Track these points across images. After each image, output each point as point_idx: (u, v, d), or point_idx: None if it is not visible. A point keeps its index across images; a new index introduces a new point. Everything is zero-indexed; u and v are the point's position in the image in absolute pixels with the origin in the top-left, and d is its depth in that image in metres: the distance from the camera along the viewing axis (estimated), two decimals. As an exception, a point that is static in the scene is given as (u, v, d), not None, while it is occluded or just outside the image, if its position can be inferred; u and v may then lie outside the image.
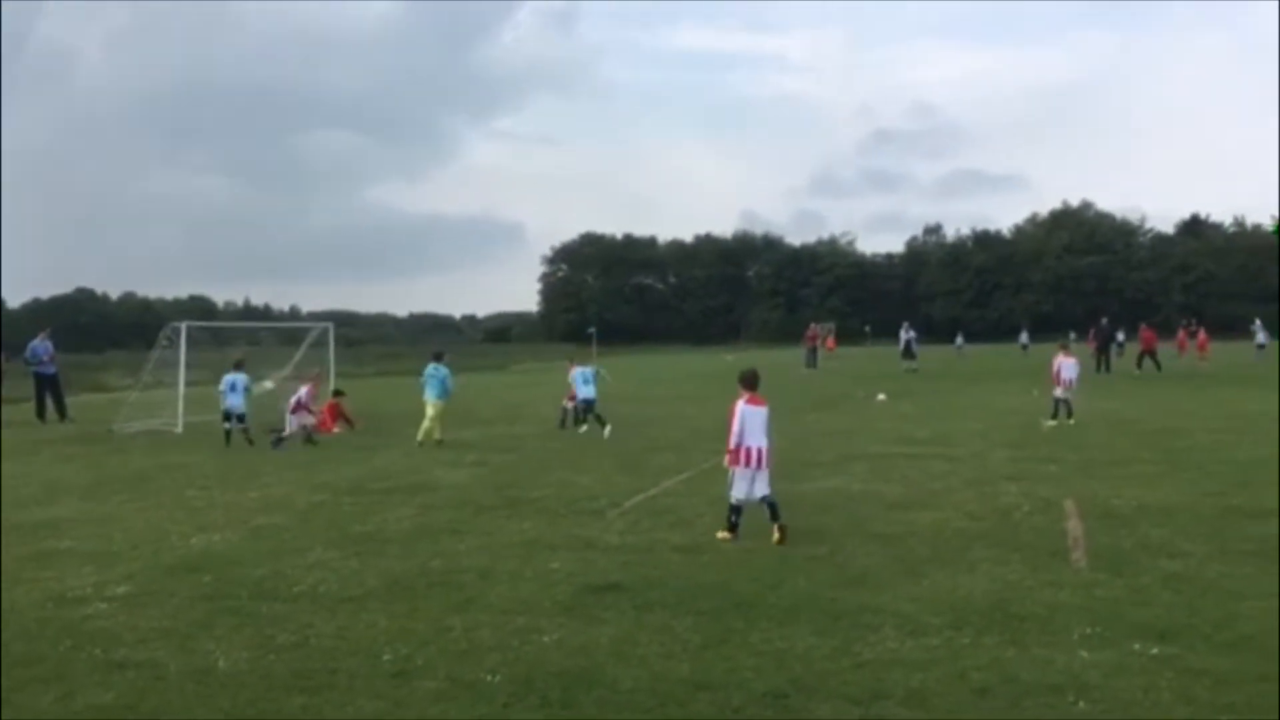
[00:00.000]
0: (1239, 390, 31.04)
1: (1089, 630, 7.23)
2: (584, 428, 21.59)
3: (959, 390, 33.61)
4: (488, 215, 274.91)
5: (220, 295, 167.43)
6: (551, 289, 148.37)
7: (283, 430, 20.57)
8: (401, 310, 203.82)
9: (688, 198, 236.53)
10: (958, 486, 13.69)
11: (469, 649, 7.11)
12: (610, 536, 10.89)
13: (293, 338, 32.65)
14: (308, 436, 20.68)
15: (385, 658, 6.94)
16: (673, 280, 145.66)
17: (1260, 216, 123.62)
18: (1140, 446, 17.50)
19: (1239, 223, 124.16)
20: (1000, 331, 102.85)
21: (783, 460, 16.27)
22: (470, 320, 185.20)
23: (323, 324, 31.37)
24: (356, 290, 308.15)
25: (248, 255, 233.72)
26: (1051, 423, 21.40)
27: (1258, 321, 56.98)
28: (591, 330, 59.94)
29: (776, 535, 10.37)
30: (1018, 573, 8.97)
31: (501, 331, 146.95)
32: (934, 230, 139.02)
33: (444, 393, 20.77)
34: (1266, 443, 17.59)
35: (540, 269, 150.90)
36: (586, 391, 21.91)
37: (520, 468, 16.54)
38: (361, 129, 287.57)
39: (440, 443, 19.90)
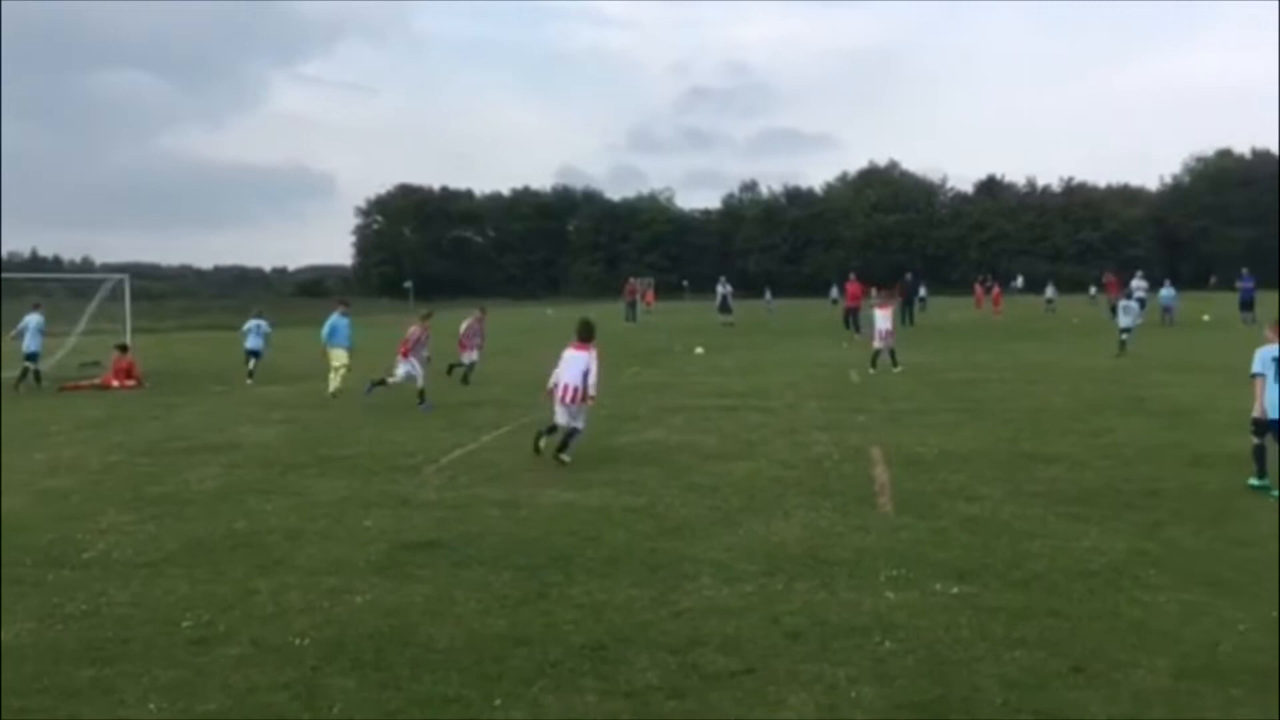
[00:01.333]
0: (1029, 343, 32.91)
1: (894, 572, 7.50)
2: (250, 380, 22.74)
3: (773, 344, 34.46)
4: (297, 165, 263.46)
5: (4, 245, 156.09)
6: (366, 242, 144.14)
7: (396, 375, 18.98)
8: (206, 262, 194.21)
9: (505, 151, 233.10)
10: (772, 437, 14.01)
11: (275, 612, 6.83)
12: (427, 493, 10.67)
13: (85, 291, 30.70)
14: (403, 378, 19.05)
15: (185, 624, 6.59)
16: (491, 234, 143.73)
17: (1049, 178, 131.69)
18: (942, 397, 18.32)
19: (1031, 184, 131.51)
20: (813, 287, 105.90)
21: (603, 414, 16.35)
22: (281, 273, 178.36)
23: (118, 275, 29.64)
24: (156, 242, 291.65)
25: (34, 203, 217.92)
26: (871, 371, 22.58)
27: (1020, 278, 61.11)
28: (408, 284, 58.74)
29: (557, 458, 12.00)
30: (828, 519, 9.24)
31: (314, 285, 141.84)
32: (750, 187, 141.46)
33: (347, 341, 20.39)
34: (1054, 391, 18.71)
35: (354, 221, 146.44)
36: (254, 344, 23.62)
37: (333, 424, 16.05)
38: (158, 71, 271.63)
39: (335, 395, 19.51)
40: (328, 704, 5.37)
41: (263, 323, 24.09)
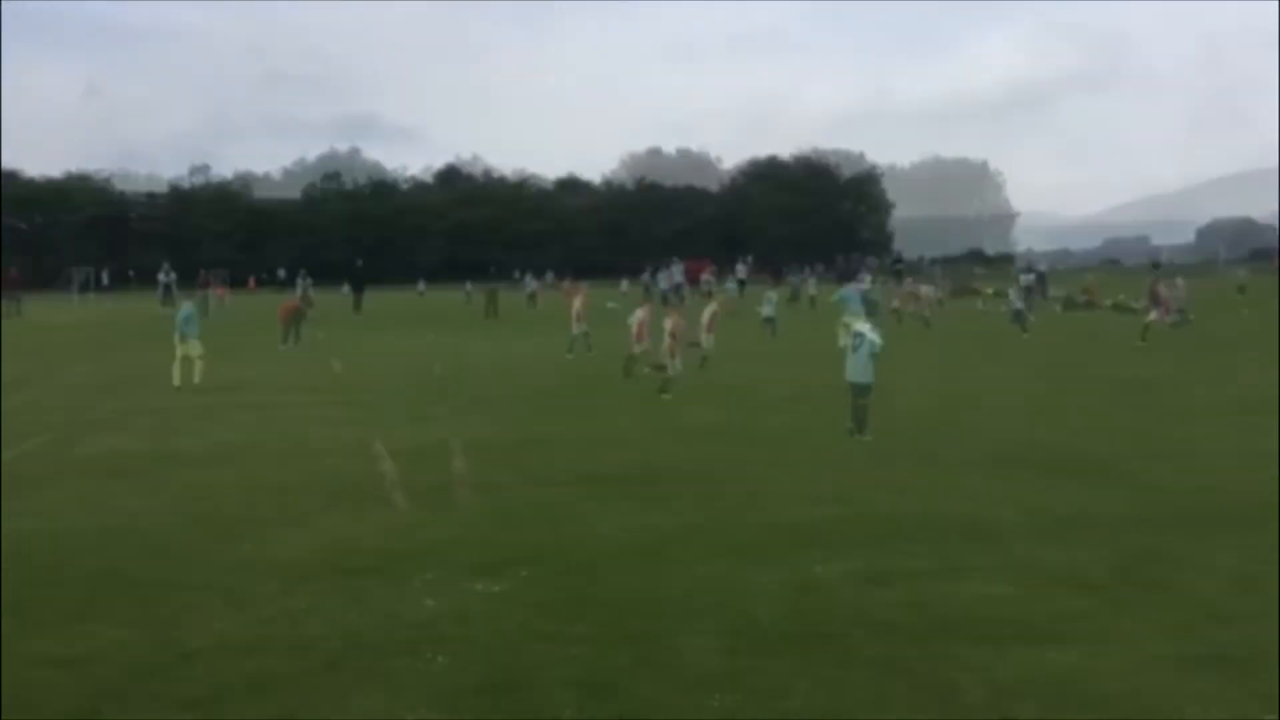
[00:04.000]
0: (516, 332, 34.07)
1: (429, 576, 7.45)
2: None
3: (364, 335, 33.27)
4: None
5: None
6: None
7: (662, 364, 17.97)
8: None
9: None
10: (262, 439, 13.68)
11: None
12: None
13: None
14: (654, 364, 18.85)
15: None
16: None
17: (622, 177, 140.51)
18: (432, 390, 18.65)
19: (607, 181, 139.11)
20: (404, 278, 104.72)
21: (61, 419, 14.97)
22: None
23: None
24: None
25: None
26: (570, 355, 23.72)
27: (526, 273, 66.07)
28: None
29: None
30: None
31: None
32: (333, 177, 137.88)
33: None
34: (539, 378, 20.12)
35: None
36: None
37: None
38: None
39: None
40: None
41: None
